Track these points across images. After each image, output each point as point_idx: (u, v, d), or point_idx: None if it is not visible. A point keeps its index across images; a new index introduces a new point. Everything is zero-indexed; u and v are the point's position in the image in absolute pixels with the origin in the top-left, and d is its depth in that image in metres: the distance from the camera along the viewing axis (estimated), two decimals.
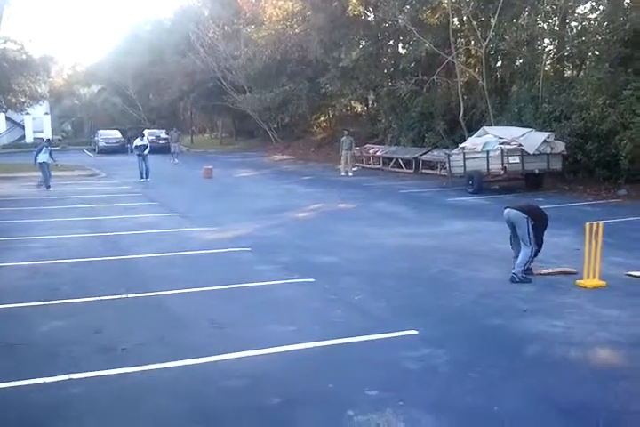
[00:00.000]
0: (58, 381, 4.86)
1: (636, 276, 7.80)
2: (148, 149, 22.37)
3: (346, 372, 5.13)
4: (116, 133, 42.09)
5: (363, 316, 6.53)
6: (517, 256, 8.03)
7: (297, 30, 31.90)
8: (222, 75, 35.89)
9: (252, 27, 36.25)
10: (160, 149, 32.57)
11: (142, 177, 21.68)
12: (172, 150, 31.48)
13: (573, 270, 7.93)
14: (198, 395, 4.72)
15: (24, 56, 27.96)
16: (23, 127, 48.68)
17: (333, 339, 5.74)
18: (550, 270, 8.05)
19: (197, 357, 5.33)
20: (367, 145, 26.31)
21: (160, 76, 44.45)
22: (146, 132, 31.08)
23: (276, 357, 5.42)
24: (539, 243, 7.81)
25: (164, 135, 36.34)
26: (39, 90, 31.75)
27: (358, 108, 35.21)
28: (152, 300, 7.11)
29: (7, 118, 46.63)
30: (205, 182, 21.31)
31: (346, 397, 4.65)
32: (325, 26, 26.58)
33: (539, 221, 7.83)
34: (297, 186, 19.44)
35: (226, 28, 37.82)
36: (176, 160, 30.92)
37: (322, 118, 38.98)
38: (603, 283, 7.41)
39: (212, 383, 4.90)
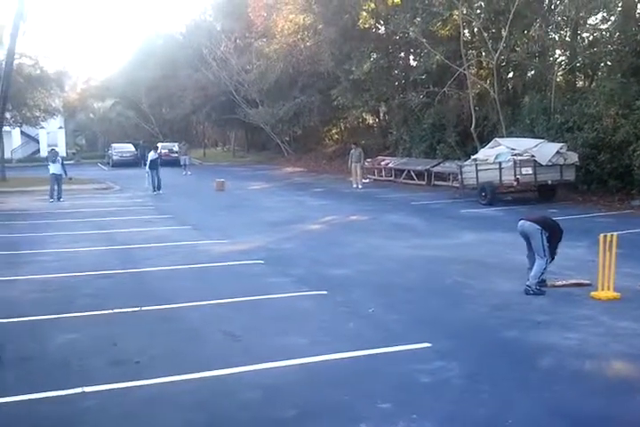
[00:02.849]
0: (71, 394, 4.89)
1: None
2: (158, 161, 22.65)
3: (358, 384, 5.12)
4: (130, 147, 42.45)
5: (375, 328, 6.52)
6: (531, 268, 8.00)
7: (308, 43, 32.12)
8: (234, 88, 36.17)
9: (264, 40, 36.55)
10: (173, 162, 33.02)
11: (154, 190, 21.84)
12: (182, 163, 32.09)
13: (587, 282, 7.88)
14: (213, 407, 4.73)
15: (39, 71, 28.38)
16: (38, 141, 49.23)
17: (346, 351, 5.74)
18: (564, 282, 8.00)
19: (212, 369, 5.34)
20: (379, 157, 26.32)
21: (173, 89, 44.87)
22: (159, 145, 31.41)
23: (289, 369, 5.42)
24: (552, 255, 7.78)
25: (176, 148, 36.67)
26: (53, 104, 32.19)
27: (370, 120, 35.27)
28: (166, 312, 7.14)
29: (22, 133, 47.16)
30: (218, 195, 21.41)
31: (359, 410, 4.64)
32: (336, 39, 26.75)
33: (553, 233, 7.80)
34: (309, 198, 19.48)
35: (238, 41, 38.17)
36: (188, 172, 31.29)
37: (333, 131, 39.10)
38: (617, 295, 7.35)
39: (227, 396, 4.90)
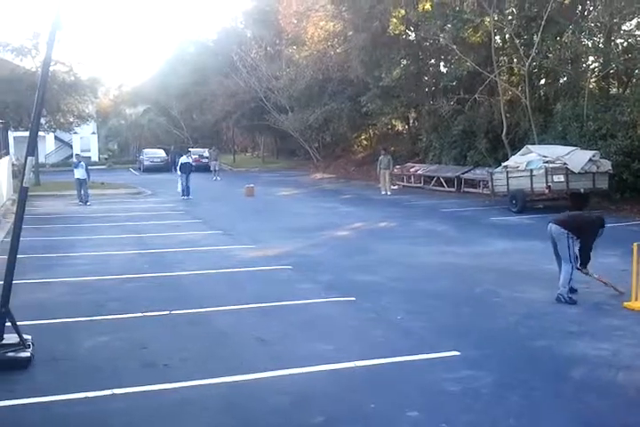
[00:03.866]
0: (101, 395, 4.95)
1: None
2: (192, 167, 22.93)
3: (387, 392, 5.10)
4: (161, 152, 42.94)
5: (404, 335, 6.49)
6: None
7: (338, 50, 32.18)
8: (264, 95, 36.39)
9: (294, 47, 36.77)
10: (203, 168, 33.36)
11: (183, 195, 22.05)
12: (212, 168, 32.40)
13: (622, 290, 7.73)
14: (241, 411, 4.75)
15: (72, 78, 28.81)
16: (71, 146, 50.05)
17: (375, 358, 5.72)
18: (605, 280, 7.88)
19: (240, 373, 5.36)
20: (408, 164, 26.21)
21: (204, 96, 45.32)
22: (191, 150, 31.79)
23: (318, 375, 5.42)
24: (587, 254, 7.68)
25: (206, 154, 37.01)
26: (87, 110, 32.63)
27: (399, 126, 35.16)
28: (196, 316, 7.20)
29: (56, 138, 48.00)
30: (247, 200, 21.53)
31: (387, 417, 4.62)
32: (366, 45, 26.75)
33: (585, 231, 7.68)
34: (338, 204, 19.48)
35: (268, 48, 38.47)
36: (218, 178, 31.58)
37: (363, 137, 39.05)
38: None
39: (255, 400, 4.92)
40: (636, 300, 7.28)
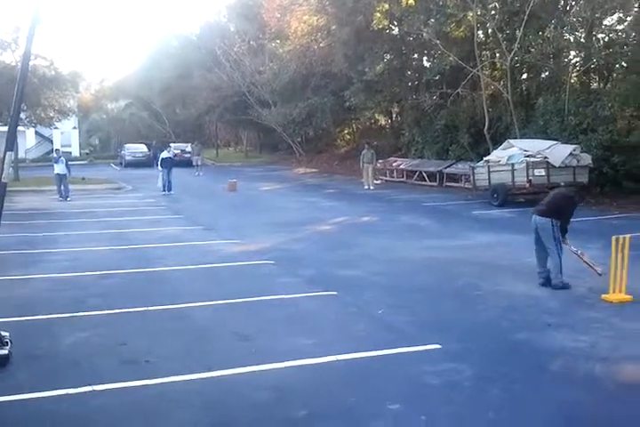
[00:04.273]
0: (80, 392, 4.90)
1: None
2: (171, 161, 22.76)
3: (368, 385, 5.11)
4: (142, 147, 42.60)
5: (385, 329, 6.50)
6: (541, 271, 8.02)
7: (322, 44, 32.12)
8: (247, 89, 36.24)
9: (278, 41, 36.64)
10: (186, 163, 33.16)
11: (164, 190, 21.89)
12: (195, 163, 32.24)
13: (600, 272, 7.87)
14: (222, 407, 4.74)
15: (53, 72, 28.42)
16: (52, 141, 49.49)
17: (356, 352, 5.72)
18: (586, 259, 8.06)
19: (221, 369, 5.34)
20: (391, 158, 26.28)
21: (186, 90, 45.02)
22: (172, 145, 31.60)
23: (299, 369, 5.41)
24: (567, 223, 7.98)
25: (188, 149, 36.79)
26: (67, 105, 32.22)
27: (382, 121, 35.23)
28: (176, 312, 7.16)
29: (36, 133, 47.42)
30: (229, 195, 21.46)
31: (368, 410, 4.63)
32: (350, 40, 26.72)
33: (567, 208, 8.00)
34: (320, 199, 19.47)
35: (251, 42, 38.27)
36: (200, 173, 31.41)
37: (346, 131, 39.07)
38: (629, 297, 7.29)
39: (236, 395, 4.91)
40: (614, 292, 7.36)
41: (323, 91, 32.79)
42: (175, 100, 49.62)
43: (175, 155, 27.08)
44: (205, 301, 7.51)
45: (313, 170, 31.97)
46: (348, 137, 38.83)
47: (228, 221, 15.08)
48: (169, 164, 22.17)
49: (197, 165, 32.01)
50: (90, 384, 4.99)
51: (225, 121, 45.17)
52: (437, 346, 5.89)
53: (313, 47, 32.50)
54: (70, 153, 44.84)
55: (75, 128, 51.68)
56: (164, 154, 22.93)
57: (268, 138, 44.62)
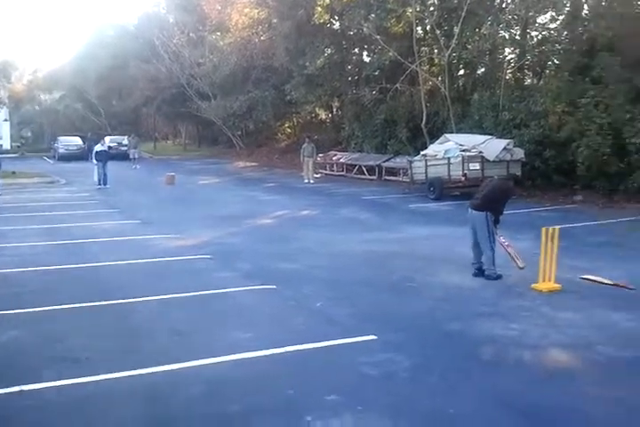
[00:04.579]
0: (8, 393, 4.75)
1: (589, 279, 7.97)
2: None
3: (305, 378, 5.14)
4: (77, 140, 41.36)
5: (323, 322, 6.54)
6: (476, 262, 8.22)
7: (262, 38, 31.93)
8: (187, 81, 35.67)
9: (218, 34, 36.12)
10: (122, 156, 32.41)
11: (99, 184, 21.36)
12: (131, 156, 31.67)
13: (521, 265, 8.15)
14: (158, 403, 4.67)
15: None
16: None
17: (294, 345, 5.74)
18: (510, 250, 8.30)
19: (157, 365, 5.26)
20: (331, 152, 26.39)
21: (123, 81, 43.93)
22: (107, 138, 30.83)
23: (236, 364, 5.39)
24: (500, 213, 8.23)
25: (125, 142, 35.97)
26: None
27: (323, 115, 35.29)
28: (113, 308, 7.01)
29: None
30: (167, 189, 21.11)
31: (305, 402, 4.65)
32: (291, 33, 26.64)
33: (501, 199, 8.27)
34: (260, 193, 19.39)
35: (191, 34, 37.62)
36: (137, 166, 30.84)
37: (286, 125, 38.99)
38: (558, 286, 7.57)
39: (172, 391, 4.85)
40: (544, 281, 7.62)
41: (264, 84, 32.61)
42: (111, 91, 48.33)
43: (110, 148, 26.45)
44: (143, 296, 7.37)
45: (253, 164, 31.80)
46: (289, 131, 38.76)
47: (165, 214, 14.85)
48: (104, 157, 21.63)
49: (134, 159, 31.45)
50: (19, 384, 4.84)
51: (163, 113, 44.40)
52: (374, 337, 5.96)
53: (254, 40, 32.25)
54: (1, 146, 43.21)
55: (6, 120, 49.85)
56: (99, 147, 22.38)
57: (207, 131, 44.11)
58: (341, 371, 5.25)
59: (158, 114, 45.43)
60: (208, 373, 5.20)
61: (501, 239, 8.30)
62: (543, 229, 7.73)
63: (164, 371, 5.18)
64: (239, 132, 37.81)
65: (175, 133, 54.01)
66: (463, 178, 16.28)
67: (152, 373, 5.14)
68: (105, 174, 21.43)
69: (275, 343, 5.75)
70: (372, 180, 22.42)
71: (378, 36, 22.50)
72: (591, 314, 6.71)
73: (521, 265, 8.18)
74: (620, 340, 5.91)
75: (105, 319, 6.66)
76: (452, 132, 19.15)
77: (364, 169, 23.32)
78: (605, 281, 7.84)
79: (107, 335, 6.14)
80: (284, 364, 5.44)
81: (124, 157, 32.47)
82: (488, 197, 8.22)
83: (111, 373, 5.09)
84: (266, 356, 5.53)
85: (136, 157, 31.75)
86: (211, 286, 7.88)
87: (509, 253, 8.31)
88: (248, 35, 32.22)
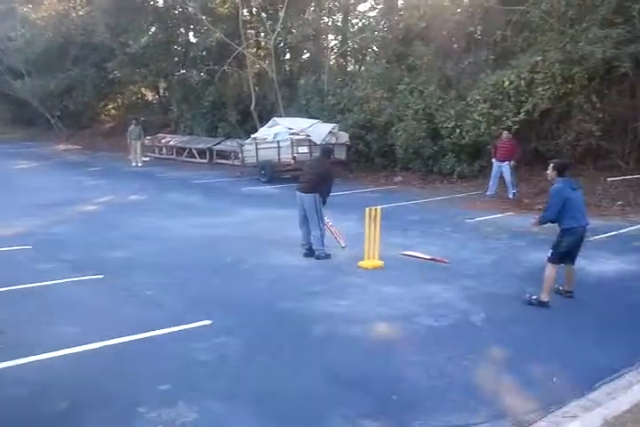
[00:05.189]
0: None
1: (409, 255, 8.59)
2: None
3: (137, 369, 5.06)
4: None
5: (155, 310, 6.44)
6: (305, 243, 8.53)
7: (81, 12, 30.01)
8: None
9: (30, 6, 33.35)
10: None
11: None
12: None
13: (343, 245, 8.75)
14: None
15: None
16: None
17: (124, 336, 5.61)
18: (334, 230, 8.84)
19: None
20: (159, 134, 25.60)
21: None
22: None
23: (62, 360, 5.16)
24: (329, 192, 8.55)
25: None
26: None
27: (149, 96, 34.07)
28: None
29: None
30: None
31: (137, 394, 4.59)
32: (111, 9, 25.23)
33: (328, 179, 8.54)
34: (84, 178, 18.38)
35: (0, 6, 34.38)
36: None
37: (110, 106, 37.11)
38: (381, 263, 8.07)
39: None
40: (369, 259, 8.09)
41: (83, 62, 30.69)
42: None
43: None
44: None
45: (75, 146, 29.99)
46: (114, 112, 36.94)
47: None
48: None
49: None
50: None
51: None
52: (208, 322, 6.00)
53: (71, 15, 30.24)
54: None
55: None
56: None
57: (21, 112, 40.64)
58: (174, 359, 5.23)
59: None
60: (30, 372, 4.94)
61: (325, 219, 8.67)
62: (367, 210, 8.18)
63: None
64: (58, 114, 35.36)
65: None
66: (293, 161, 16.62)
67: None
68: None
69: (105, 336, 5.57)
70: (203, 163, 22.16)
71: (203, 17, 22.12)
72: (412, 288, 7.24)
73: (343, 244, 8.64)
74: (437, 310, 6.45)
75: None
76: (280, 116, 19.43)
77: (195, 152, 22.96)
78: (423, 256, 8.49)
79: None
80: (114, 356, 5.30)
81: None
82: (314, 181, 8.49)
83: None
84: (95, 349, 5.36)
85: None
86: (32, 278, 7.39)
87: (332, 233, 8.72)
88: (64, 9, 30.15)
